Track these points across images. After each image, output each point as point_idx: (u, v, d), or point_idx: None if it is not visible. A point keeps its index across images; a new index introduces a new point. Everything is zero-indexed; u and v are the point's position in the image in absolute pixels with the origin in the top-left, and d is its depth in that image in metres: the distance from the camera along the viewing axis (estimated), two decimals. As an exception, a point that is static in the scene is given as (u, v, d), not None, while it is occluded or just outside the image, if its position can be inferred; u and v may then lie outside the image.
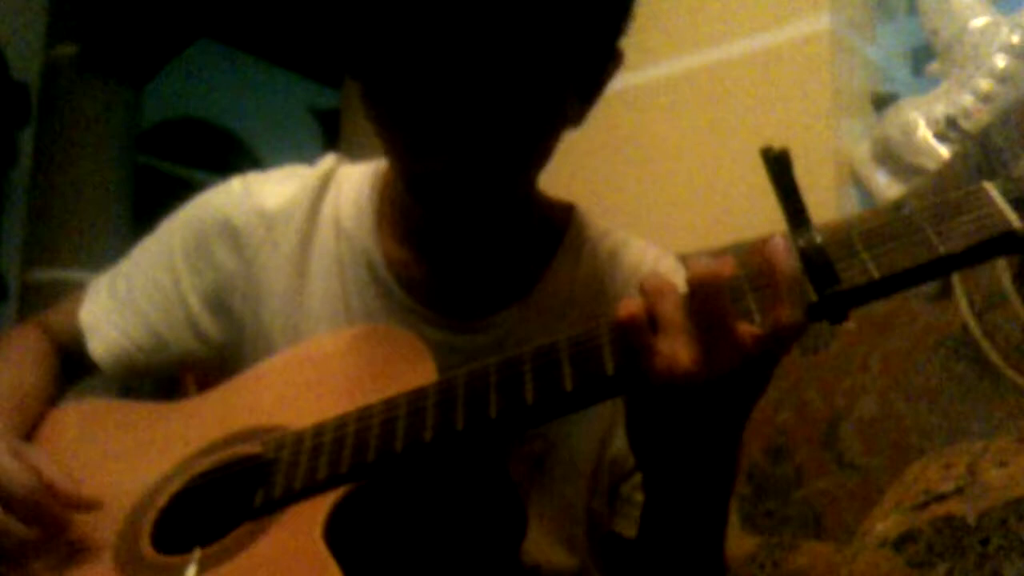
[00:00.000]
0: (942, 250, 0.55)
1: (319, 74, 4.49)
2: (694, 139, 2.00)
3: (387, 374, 0.71)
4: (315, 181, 0.87)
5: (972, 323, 1.09)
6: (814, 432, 1.21)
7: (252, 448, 0.72)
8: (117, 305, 0.91)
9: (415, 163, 0.71)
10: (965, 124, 1.64)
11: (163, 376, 1.01)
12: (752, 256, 0.58)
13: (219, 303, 0.86)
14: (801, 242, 0.57)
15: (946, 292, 1.13)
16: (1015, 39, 1.64)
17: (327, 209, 0.86)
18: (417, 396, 0.66)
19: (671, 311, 0.59)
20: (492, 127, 0.68)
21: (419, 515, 0.68)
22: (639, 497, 0.80)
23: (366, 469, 0.65)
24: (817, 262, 0.56)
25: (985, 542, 0.75)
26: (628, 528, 0.81)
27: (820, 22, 1.86)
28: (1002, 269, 1.08)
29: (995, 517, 0.75)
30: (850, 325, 0.57)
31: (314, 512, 0.64)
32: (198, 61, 4.02)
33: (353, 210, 0.85)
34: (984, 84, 1.64)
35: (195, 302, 0.87)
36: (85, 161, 3.13)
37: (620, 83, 0.76)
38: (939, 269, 0.56)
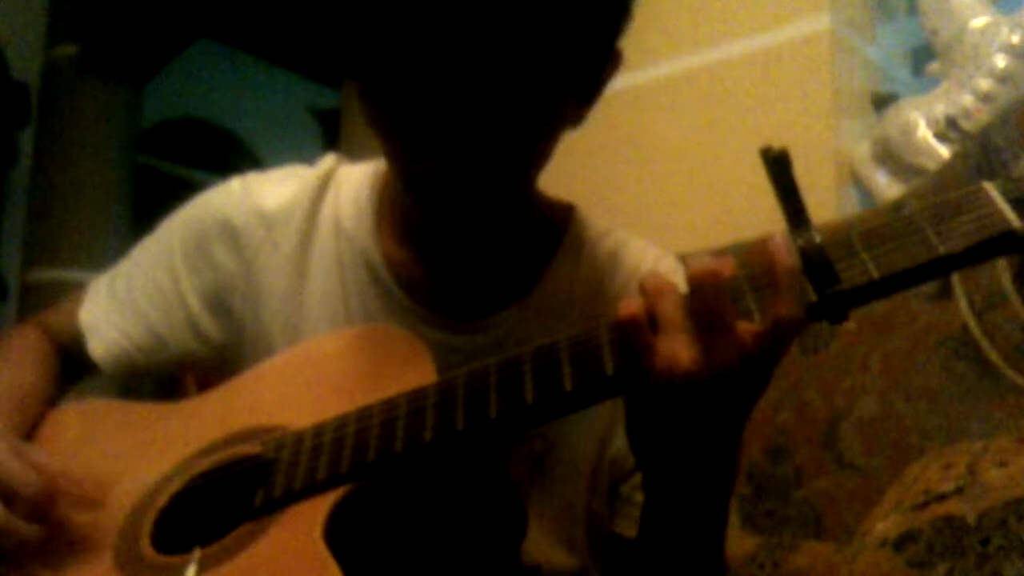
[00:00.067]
0: (942, 250, 0.55)
1: (319, 74, 4.49)
2: (694, 139, 2.00)
3: (387, 374, 0.71)
4: (315, 181, 0.87)
5: (972, 323, 1.09)
6: (814, 432, 1.21)
7: (252, 448, 0.72)
8: (117, 305, 0.91)
9: (414, 163, 0.71)
10: (965, 124, 1.64)
11: (163, 376, 1.00)
12: (752, 256, 0.58)
13: (219, 303, 0.86)
14: (801, 242, 0.57)
15: (946, 292, 1.13)
16: (1015, 39, 1.64)
17: (327, 209, 0.86)
18: (417, 396, 0.66)
19: (671, 311, 0.59)
20: (491, 127, 0.67)
21: (419, 515, 0.68)
22: (639, 497, 0.80)
23: (366, 469, 0.65)
24: (817, 262, 0.56)
25: (985, 542, 0.75)
26: (628, 528, 0.81)
27: (820, 22, 1.86)
28: (1002, 269, 1.08)
29: (995, 517, 0.75)
30: (850, 325, 0.57)
31: (314, 512, 0.64)
32: (198, 61, 4.02)
33: (353, 210, 0.85)
34: (984, 84, 1.64)
35: (195, 302, 0.87)
36: (85, 161, 3.13)
37: (620, 83, 0.76)
38: (939, 269, 0.56)
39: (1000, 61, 1.64)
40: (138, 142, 3.44)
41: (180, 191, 0.94)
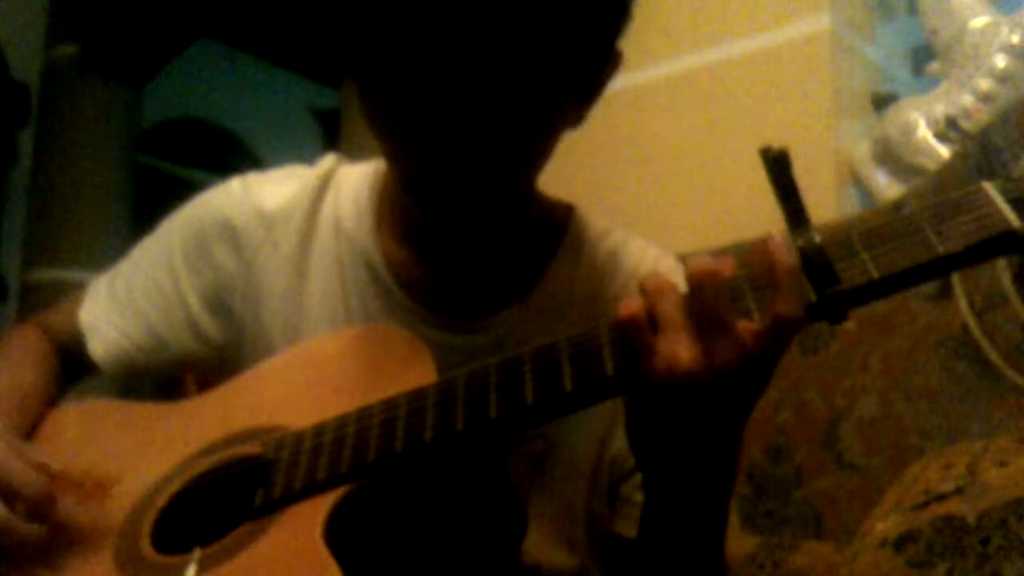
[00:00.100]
0: (941, 250, 0.55)
1: (319, 74, 4.49)
2: (694, 139, 1.99)
3: (387, 374, 0.71)
4: (315, 181, 0.87)
5: (972, 323, 1.09)
6: (814, 432, 1.21)
7: (252, 448, 0.72)
8: (117, 305, 0.91)
9: (414, 163, 0.71)
10: (965, 124, 1.64)
11: (163, 376, 1.00)
12: (752, 256, 0.58)
13: (219, 303, 0.86)
14: (800, 242, 0.57)
15: (946, 292, 1.13)
16: (1015, 39, 1.64)
17: (327, 209, 0.86)
18: (417, 396, 0.66)
19: (671, 311, 0.59)
20: (490, 127, 0.67)
21: (419, 515, 0.68)
22: (639, 497, 0.80)
23: (366, 469, 0.65)
24: (817, 262, 0.56)
25: (985, 542, 0.75)
26: (628, 528, 0.81)
27: (820, 22, 1.86)
28: (1002, 269, 1.08)
29: (995, 517, 0.75)
30: (850, 325, 0.57)
31: (314, 512, 0.64)
32: (198, 61, 4.01)
33: (353, 210, 0.85)
34: (984, 84, 1.64)
35: (195, 302, 0.87)
36: (85, 161, 3.13)
37: (620, 83, 0.76)
38: (939, 269, 0.56)
39: (1000, 61, 1.64)
40: (138, 142, 3.44)
41: (180, 191, 0.94)
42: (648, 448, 0.66)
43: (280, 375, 0.79)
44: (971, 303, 1.10)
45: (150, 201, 1.77)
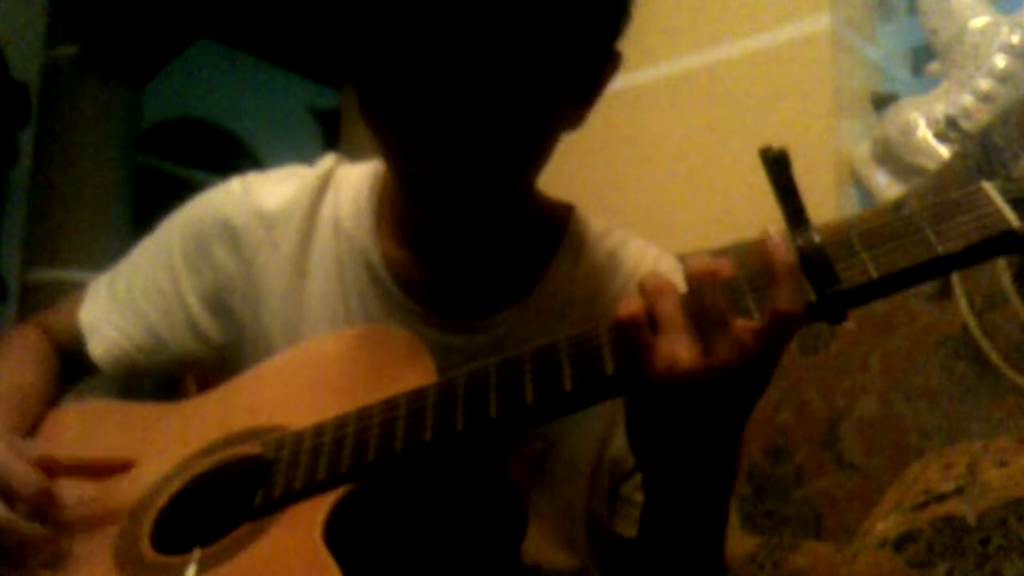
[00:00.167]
0: (941, 250, 0.55)
1: (319, 74, 4.49)
2: (694, 139, 2.00)
3: (386, 374, 0.71)
4: (314, 181, 0.87)
5: (972, 323, 1.09)
6: (814, 432, 1.21)
7: (252, 448, 0.72)
8: (117, 306, 0.91)
9: (413, 163, 0.71)
10: (965, 124, 1.64)
11: (163, 376, 1.01)
12: (751, 256, 0.58)
13: (219, 304, 0.86)
14: (800, 242, 0.57)
15: (946, 292, 1.13)
16: (1015, 39, 1.64)
17: (326, 209, 0.86)
18: (417, 396, 0.66)
19: (671, 311, 0.59)
20: (489, 126, 0.67)
21: (419, 515, 0.68)
22: (639, 497, 0.80)
23: (366, 469, 0.65)
24: (816, 262, 0.56)
25: (985, 542, 0.75)
26: (628, 528, 0.81)
27: (820, 22, 1.86)
28: (1002, 269, 1.08)
29: (995, 517, 0.75)
30: (850, 325, 0.57)
31: (314, 512, 0.64)
32: (198, 61, 4.01)
33: (352, 210, 0.85)
34: (984, 84, 1.64)
35: (194, 303, 0.87)
36: (85, 161, 3.13)
37: (620, 83, 0.76)
38: (938, 269, 0.56)
39: (1000, 61, 1.64)
40: (138, 142, 3.44)
41: (180, 191, 0.94)
42: (648, 448, 0.66)
43: (280, 375, 0.79)
44: (971, 303, 1.10)
45: (150, 201, 1.77)
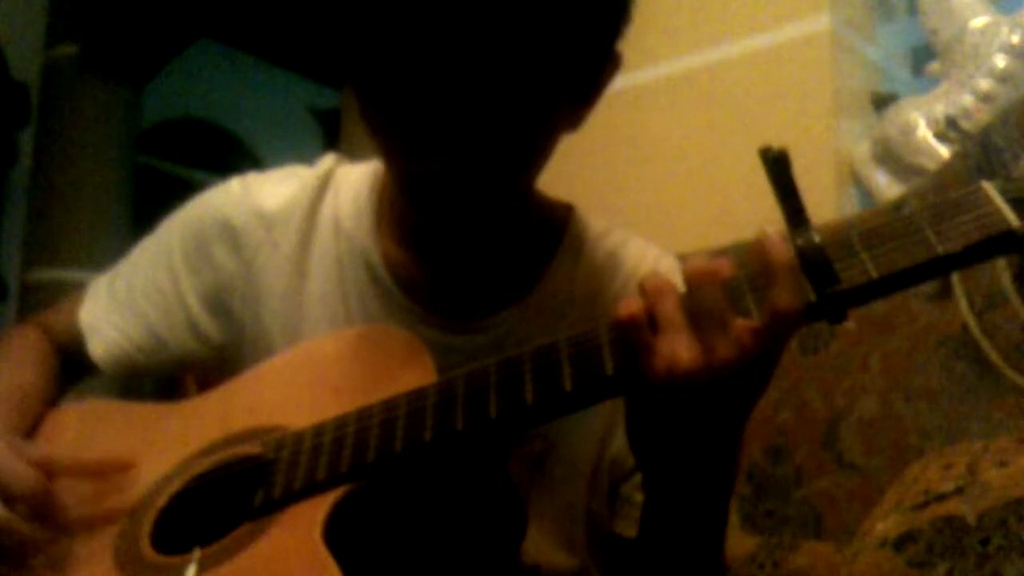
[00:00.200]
0: (940, 250, 0.55)
1: (319, 74, 4.49)
2: (694, 139, 2.00)
3: (386, 375, 0.71)
4: (314, 181, 0.87)
5: (972, 323, 1.09)
6: (814, 432, 1.22)
7: (252, 448, 0.72)
8: (117, 306, 0.91)
9: (413, 163, 0.71)
10: (965, 124, 1.64)
11: (163, 376, 1.01)
12: (751, 257, 0.58)
13: (218, 304, 0.86)
14: (800, 242, 0.57)
15: (946, 292, 1.13)
16: (1015, 39, 1.64)
17: (326, 209, 0.86)
18: (417, 396, 0.66)
19: (671, 311, 0.59)
20: (489, 126, 0.67)
21: (419, 515, 0.68)
22: (639, 497, 0.80)
23: (366, 469, 0.65)
24: (816, 262, 0.56)
25: (985, 542, 0.75)
26: (628, 528, 0.81)
27: (820, 22, 1.86)
28: (1002, 269, 1.08)
29: (995, 517, 0.75)
30: (850, 325, 0.57)
31: (314, 512, 0.64)
32: (198, 61, 4.01)
33: (352, 210, 0.85)
34: (984, 84, 1.64)
35: (194, 303, 0.87)
36: (85, 161, 3.13)
37: (620, 83, 0.76)
38: (938, 269, 0.56)
39: (1000, 61, 1.64)
40: (138, 142, 3.44)
41: (180, 191, 0.94)
42: (648, 448, 0.66)
43: (280, 375, 0.79)
44: (971, 303, 1.10)
45: (150, 201, 1.77)
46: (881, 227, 0.57)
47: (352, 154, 0.92)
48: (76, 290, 0.97)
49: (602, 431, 0.81)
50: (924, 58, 1.87)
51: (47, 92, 3.26)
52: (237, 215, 0.86)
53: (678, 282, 0.60)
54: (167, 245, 0.89)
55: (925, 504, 0.81)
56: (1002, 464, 0.80)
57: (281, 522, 0.65)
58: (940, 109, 1.69)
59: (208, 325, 0.87)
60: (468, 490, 0.70)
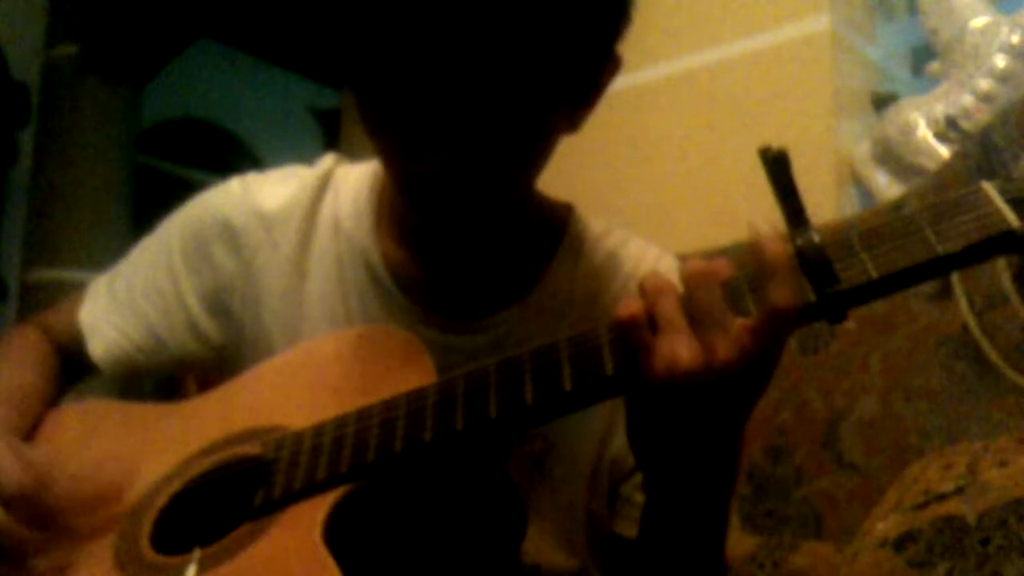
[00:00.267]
0: (940, 250, 0.55)
1: (319, 74, 4.49)
2: (694, 139, 2.00)
3: (386, 375, 0.71)
4: (314, 181, 0.87)
5: (972, 323, 1.09)
6: (814, 432, 1.21)
7: (252, 448, 0.72)
8: (116, 306, 0.91)
9: (412, 163, 0.70)
10: (965, 124, 1.64)
11: (163, 376, 1.01)
12: (750, 257, 0.58)
13: (218, 304, 0.86)
14: (800, 242, 0.57)
15: (946, 292, 1.13)
16: (1015, 39, 1.64)
17: (326, 209, 0.86)
18: (416, 396, 0.66)
19: (671, 311, 0.59)
20: (488, 126, 0.67)
21: (419, 515, 0.68)
22: (639, 497, 0.80)
23: (366, 469, 0.65)
24: (816, 262, 0.56)
25: (985, 542, 0.75)
26: (628, 528, 0.81)
27: (820, 22, 1.86)
28: (1002, 269, 1.08)
29: (995, 517, 0.75)
30: (849, 325, 0.57)
31: (314, 512, 0.64)
32: (198, 61, 4.01)
33: (352, 210, 0.85)
34: (984, 84, 1.64)
35: (194, 303, 0.87)
36: (85, 161, 3.13)
37: (620, 83, 0.76)
38: (938, 269, 0.56)
39: (1000, 61, 1.64)
40: (138, 142, 3.44)
41: (180, 191, 0.94)
42: (648, 448, 0.66)
43: (280, 375, 0.79)
44: (971, 303, 1.10)
45: (150, 201, 1.77)
46: (881, 227, 0.57)
47: (352, 154, 0.92)
48: (76, 290, 0.97)
49: (602, 431, 0.81)
50: (924, 58, 1.87)
51: (47, 92, 3.27)
52: (237, 215, 0.86)
53: (678, 282, 0.60)
54: (167, 245, 0.89)
55: (925, 504, 0.81)
56: (1002, 464, 0.80)
57: (281, 522, 0.65)
58: (940, 109, 1.69)
59: (208, 325, 0.87)
60: (468, 490, 0.70)
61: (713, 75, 1.99)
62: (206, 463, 0.74)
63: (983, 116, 1.62)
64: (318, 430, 0.69)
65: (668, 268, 0.84)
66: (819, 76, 1.84)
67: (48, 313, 0.98)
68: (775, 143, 0.58)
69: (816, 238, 0.57)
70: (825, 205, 1.74)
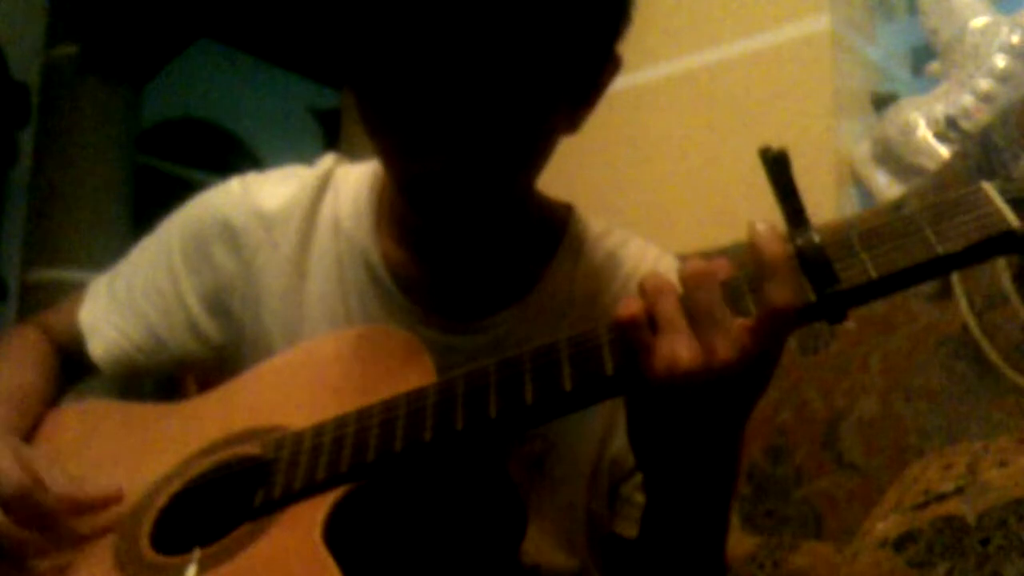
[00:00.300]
0: (940, 250, 0.55)
1: (319, 74, 4.49)
2: (694, 139, 2.00)
3: (386, 375, 0.71)
4: (314, 181, 0.87)
5: (972, 323, 1.09)
6: (814, 432, 1.21)
7: (252, 448, 0.72)
8: (117, 306, 0.91)
9: (412, 163, 0.70)
10: (965, 124, 1.64)
11: (163, 376, 1.01)
12: (748, 257, 0.58)
13: (218, 304, 0.86)
14: (800, 242, 0.57)
15: (946, 292, 1.13)
16: (1015, 39, 1.64)
17: (326, 209, 0.86)
18: (416, 396, 0.66)
19: (671, 311, 0.59)
20: (488, 126, 0.67)
21: (419, 515, 0.68)
22: (639, 497, 0.80)
23: (366, 469, 0.65)
24: (816, 262, 0.56)
25: (985, 542, 0.75)
26: (628, 528, 0.81)
27: (820, 22, 1.86)
28: (1002, 269, 1.08)
29: (995, 517, 0.75)
30: (849, 325, 0.57)
31: (314, 512, 0.64)
32: (198, 61, 4.02)
33: (352, 210, 0.85)
34: (984, 84, 1.64)
35: (194, 303, 0.87)
36: (85, 161, 3.13)
37: (620, 83, 0.76)
38: (938, 269, 0.56)
39: (1000, 61, 1.64)
40: (138, 142, 3.44)
41: (180, 191, 0.94)
42: (648, 448, 0.66)
43: (280, 375, 0.79)
44: (971, 303, 1.10)
45: (150, 201, 1.77)
46: (881, 227, 0.57)
47: (352, 154, 0.92)
48: (76, 290, 0.97)
49: (602, 431, 0.81)
50: (924, 58, 1.87)
51: (47, 92, 3.27)
52: (237, 215, 0.86)
53: (678, 282, 0.60)
54: (167, 245, 0.89)
55: (925, 504, 0.81)
56: (1002, 464, 0.80)
57: (281, 522, 0.65)
58: (940, 109, 1.69)
59: (208, 325, 0.87)
60: (468, 490, 0.70)
61: (713, 75, 1.99)
62: (206, 463, 0.74)
63: (983, 116, 1.62)
64: (318, 430, 0.69)
65: (668, 268, 0.84)
66: (819, 76, 1.84)
67: (48, 313, 0.98)
68: (775, 143, 0.58)
69: (816, 238, 0.57)
70: (825, 205, 1.74)
